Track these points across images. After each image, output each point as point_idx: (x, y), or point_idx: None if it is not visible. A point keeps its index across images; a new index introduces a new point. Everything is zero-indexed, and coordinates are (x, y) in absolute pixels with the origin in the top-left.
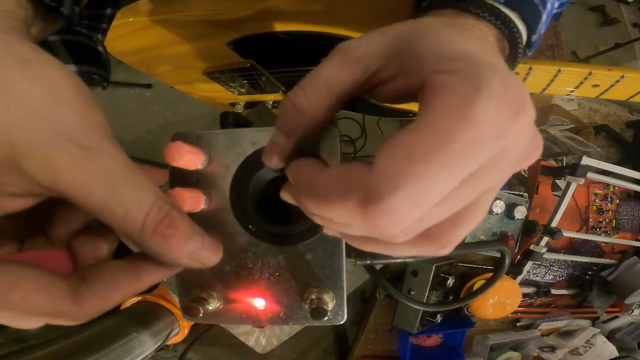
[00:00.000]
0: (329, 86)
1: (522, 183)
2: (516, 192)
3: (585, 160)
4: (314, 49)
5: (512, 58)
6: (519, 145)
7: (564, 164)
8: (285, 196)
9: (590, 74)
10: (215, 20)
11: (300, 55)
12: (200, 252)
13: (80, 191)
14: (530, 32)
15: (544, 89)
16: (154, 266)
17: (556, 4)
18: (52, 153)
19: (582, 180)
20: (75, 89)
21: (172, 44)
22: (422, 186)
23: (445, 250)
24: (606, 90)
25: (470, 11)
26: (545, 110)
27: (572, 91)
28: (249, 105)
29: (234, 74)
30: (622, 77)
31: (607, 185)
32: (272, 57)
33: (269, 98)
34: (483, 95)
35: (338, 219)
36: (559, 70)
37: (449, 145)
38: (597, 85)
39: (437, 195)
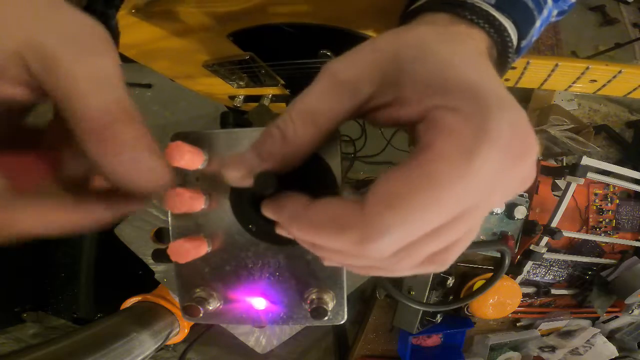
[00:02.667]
0: (316, 118)
1: None
2: None
3: (585, 160)
4: (314, 42)
5: (501, 65)
6: (515, 182)
7: (564, 164)
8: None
9: (587, 68)
10: (215, 12)
11: (300, 47)
12: (136, 165)
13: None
14: (521, 37)
15: (542, 84)
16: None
17: (554, 12)
18: (68, 69)
19: (582, 180)
20: (79, 12)
21: (172, 36)
22: (411, 229)
23: (442, 268)
24: (604, 85)
25: (465, 17)
26: (545, 110)
27: (569, 86)
28: (248, 99)
29: (233, 66)
30: (620, 72)
31: (607, 185)
32: (272, 50)
33: (268, 92)
34: (488, 143)
35: (334, 250)
36: (557, 65)
37: (443, 194)
38: (595, 81)
39: (427, 233)
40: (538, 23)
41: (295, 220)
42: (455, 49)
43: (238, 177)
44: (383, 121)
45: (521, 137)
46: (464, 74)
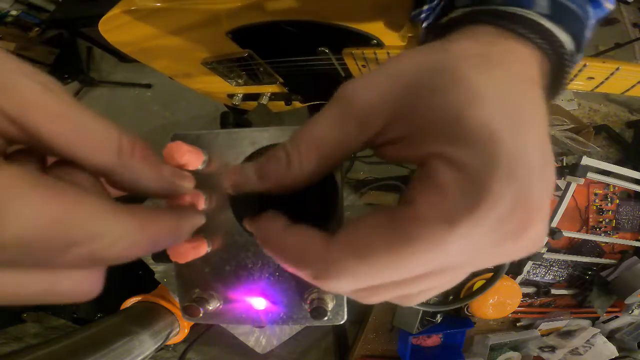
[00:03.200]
0: (322, 149)
1: None
2: None
3: (585, 160)
4: (313, 39)
5: (556, 85)
6: (510, 254)
7: (564, 164)
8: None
9: (584, 66)
10: (214, 9)
11: (298, 45)
12: (174, 174)
13: (51, 124)
14: (578, 49)
15: None
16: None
17: (593, 21)
18: (18, 85)
19: (582, 180)
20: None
21: (171, 33)
22: (370, 280)
23: (411, 304)
24: (601, 83)
25: (515, 31)
26: None
27: (567, 83)
28: (246, 97)
29: (232, 64)
30: (617, 69)
31: (607, 185)
32: (271, 47)
33: (267, 90)
34: (478, 214)
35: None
36: None
37: (414, 257)
38: (592, 78)
39: (390, 283)
40: (587, 33)
41: (267, 243)
42: (493, 76)
43: (230, 189)
44: (390, 158)
45: (527, 210)
46: (485, 115)
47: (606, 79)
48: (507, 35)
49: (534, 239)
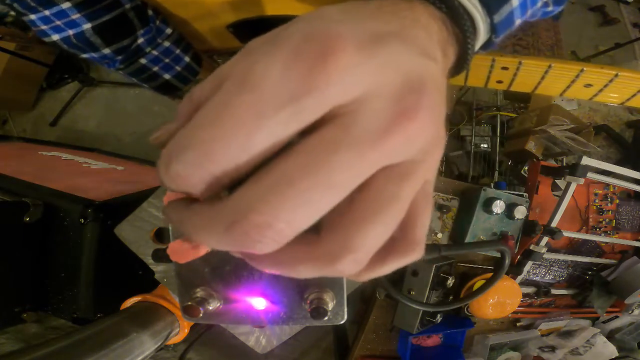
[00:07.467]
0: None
1: (522, 183)
2: (516, 192)
3: (585, 160)
4: None
5: (463, 45)
6: (367, 114)
7: (564, 164)
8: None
9: (582, 71)
10: (213, 2)
11: None
12: None
13: None
14: (491, 12)
15: (536, 87)
16: None
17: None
18: None
19: (582, 180)
20: None
21: (173, 23)
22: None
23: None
24: (600, 90)
25: None
26: (545, 110)
27: (564, 91)
28: None
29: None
30: (616, 75)
31: (607, 185)
32: None
33: None
34: (263, 49)
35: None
36: (550, 66)
37: (226, 115)
38: (590, 85)
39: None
40: (516, 1)
41: (179, 224)
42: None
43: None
44: None
45: (320, 36)
46: (313, 14)
47: (605, 86)
48: None
49: (352, 66)
